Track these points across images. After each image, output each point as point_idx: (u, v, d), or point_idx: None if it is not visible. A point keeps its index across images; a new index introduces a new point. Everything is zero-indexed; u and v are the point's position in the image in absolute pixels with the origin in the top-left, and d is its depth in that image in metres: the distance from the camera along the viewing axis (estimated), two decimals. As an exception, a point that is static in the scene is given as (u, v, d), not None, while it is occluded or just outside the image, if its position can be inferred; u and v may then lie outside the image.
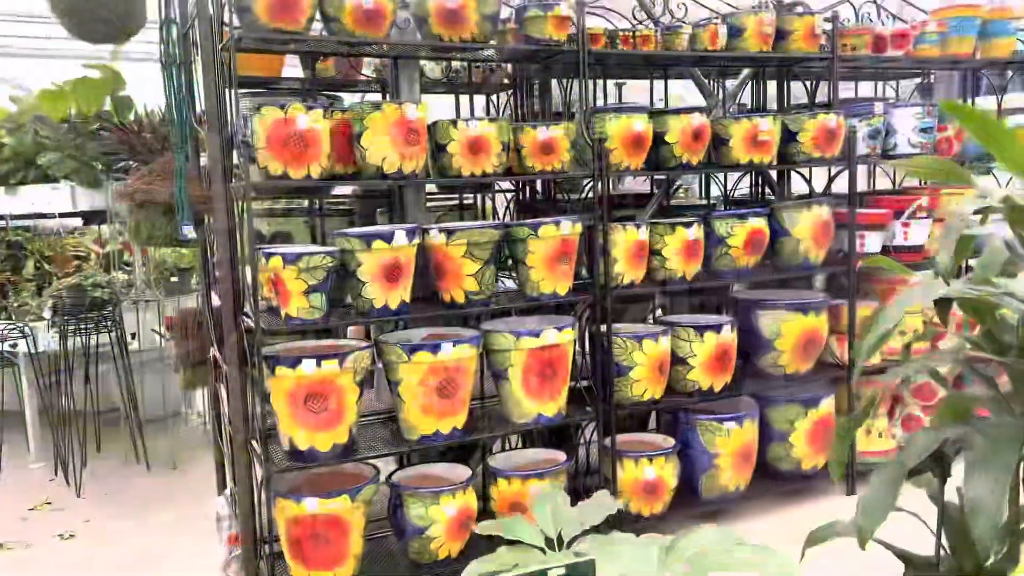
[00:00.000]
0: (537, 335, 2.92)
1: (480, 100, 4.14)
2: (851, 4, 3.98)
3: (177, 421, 5.03)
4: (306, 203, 3.33)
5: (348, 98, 3.62)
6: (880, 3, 4.09)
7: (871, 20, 4.05)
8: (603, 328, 3.16)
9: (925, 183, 4.55)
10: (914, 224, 3.80)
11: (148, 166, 3.01)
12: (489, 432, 3.00)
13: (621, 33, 3.21)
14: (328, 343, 2.98)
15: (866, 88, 4.84)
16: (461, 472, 3.04)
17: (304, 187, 2.89)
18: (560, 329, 2.96)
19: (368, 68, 3.58)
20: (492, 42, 2.99)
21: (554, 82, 3.45)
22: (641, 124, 3.12)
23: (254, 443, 2.84)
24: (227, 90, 2.73)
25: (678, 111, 3.21)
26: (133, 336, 4.77)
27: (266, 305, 2.86)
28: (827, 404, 3.60)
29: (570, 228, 2.97)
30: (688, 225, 3.24)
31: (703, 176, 4.76)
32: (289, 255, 2.57)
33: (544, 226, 2.93)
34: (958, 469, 1.70)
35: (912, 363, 1.56)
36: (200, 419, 5.20)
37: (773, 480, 3.65)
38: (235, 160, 2.72)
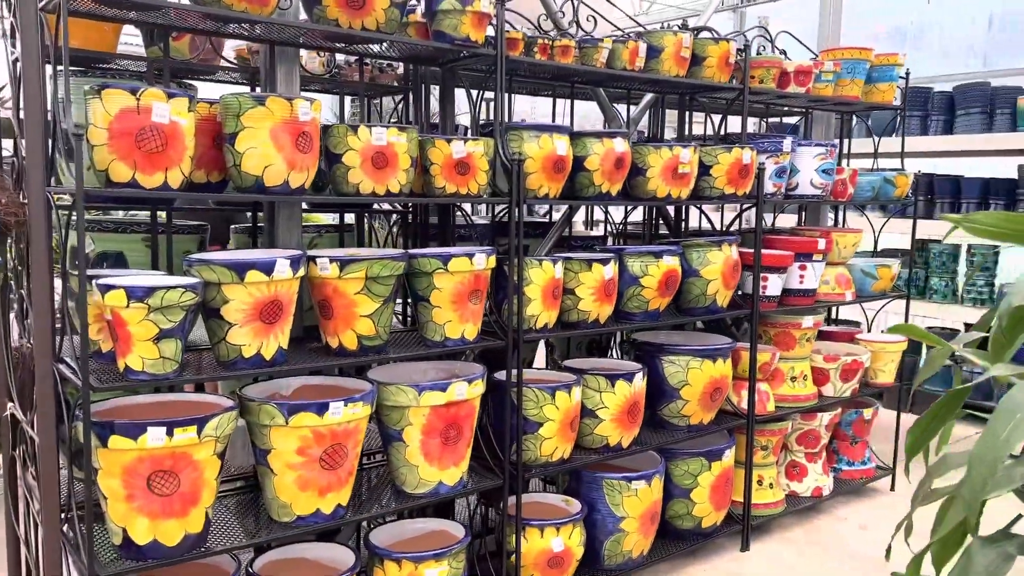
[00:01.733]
0: (444, 389, 2.43)
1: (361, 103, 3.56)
2: (744, 36, 3.83)
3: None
4: (146, 214, 2.62)
5: (203, 89, 2.94)
6: (774, 39, 3.98)
7: (760, 53, 3.93)
8: (514, 378, 2.72)
9: (803, 223, 4.51)
10: (810, 267, 3.69)
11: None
12: (380, 508, 2.46)
13: (540, 41, 2.80)
14: (172, 398, 2.33)
15: (753, 124, 4.77)
16: (342, 556, 2.48)
17: (158, 199, 2.23)
18: (470, 382, 2.49)
19: (229, 52, 2.94)
20: (399, 35, 2.49)
21: (460, 91, 2.98)
22: (564, 146, 2.73)
23: (68, 532, 2.14)
24: (48, 64, 2.05)
25: (599, 134, 2.84)
26: None
27: (95, 349, 2.18)
28: (729, 456, 3.37)
29: (485, 262, 2.52)
30: (605, 263, 2.88)
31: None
32: (136, 289, 1.93)
33: (455, 259, 2.45)
34: None
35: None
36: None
37: (673, 540, 3.36)
38: (58, 156, 2.04)
